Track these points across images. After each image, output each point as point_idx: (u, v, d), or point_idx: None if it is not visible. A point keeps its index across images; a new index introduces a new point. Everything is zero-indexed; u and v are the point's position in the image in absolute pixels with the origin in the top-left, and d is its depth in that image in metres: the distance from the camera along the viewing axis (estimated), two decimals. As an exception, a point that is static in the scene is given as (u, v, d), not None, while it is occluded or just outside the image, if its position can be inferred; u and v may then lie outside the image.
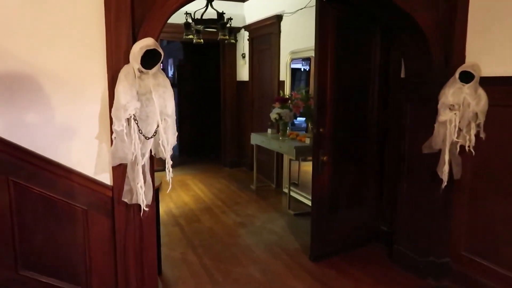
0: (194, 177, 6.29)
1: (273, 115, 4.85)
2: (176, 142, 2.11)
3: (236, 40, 6.77)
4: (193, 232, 4.02)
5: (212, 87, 7.62)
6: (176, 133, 2.10)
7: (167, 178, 2.13)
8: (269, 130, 5.49)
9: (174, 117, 2.06)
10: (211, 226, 4.18)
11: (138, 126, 1.94)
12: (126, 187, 2.05)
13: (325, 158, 3.15)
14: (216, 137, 7.47)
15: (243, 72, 6.79)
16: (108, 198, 2.13)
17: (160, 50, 1.93)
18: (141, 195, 2.02)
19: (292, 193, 4.89)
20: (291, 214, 4.55)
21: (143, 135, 1.97)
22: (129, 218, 2.17)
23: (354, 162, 3.46)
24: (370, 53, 3.41)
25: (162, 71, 2.04)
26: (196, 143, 8.42)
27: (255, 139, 5.48)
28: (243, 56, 6.67)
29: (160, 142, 2.01)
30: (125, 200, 2.06)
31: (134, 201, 2.06)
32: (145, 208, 2.06)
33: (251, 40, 6.38)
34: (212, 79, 7.55)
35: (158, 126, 2.00)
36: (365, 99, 3.45)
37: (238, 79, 6.89)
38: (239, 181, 6.11)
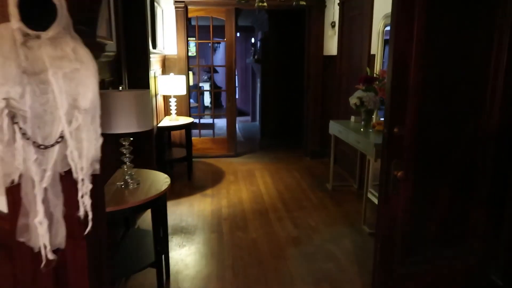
0: (264, 167, 5.48)
1: (353, 100, 3.72)
2: (99, 154, 1.27)
3: (325, 6, 5.63)
4: (232, 244, 3.23)
5: (298, 63, 6.61)
6: (101, 139, 1.26)
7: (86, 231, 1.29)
8: (352, 118, 4.36)
9: (95, 112, 1.23)
10: (257, 238, 3.34)
11: (20, 127, 1.15)
12: (21, 221, 1.30)
13: (400, 173, 2.02)
14: (300, 121, 6.51)
15: (331, 45, 5.65)
16: (4, 233, 1.41)
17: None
18: (42, 236, 1.25)
19: (373, 200, 3.76)
20: (366, 231, 3.45)
21: (37, 142, 1.18)
22: (39, 265, 1.36)
23: (451, 181, 2.23)
24: (493, 16, 2.10)
25: (76, 35, 1.20)
26: (280, 126, 7.57)
27: (334, 127, 4.40)
28: (333, 25, 5.51)
29: (68, 153, 1.20)
30: (22, 239, 1.32)
31: (33, 243, 1.31)
32: (49, 256, 1.28)
33: (341, 4, 5.18)
34: (298, 54, 6.53)
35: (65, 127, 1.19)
36: (478, 89, 2.17)
37: (325, 53, 5.76)
38: (316, 176, 5.11)
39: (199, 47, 6.57)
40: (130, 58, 3.82)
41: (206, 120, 8.76)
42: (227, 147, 6.01)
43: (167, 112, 5.39)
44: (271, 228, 3.54)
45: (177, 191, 4.51)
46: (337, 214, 3.87)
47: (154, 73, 4.53)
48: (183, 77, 4.93)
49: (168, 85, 4.76)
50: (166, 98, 5.28)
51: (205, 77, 12.46)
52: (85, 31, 1.45)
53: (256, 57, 8.15)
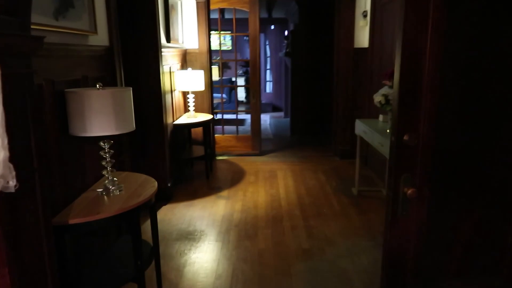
0: (288, 168, 5.15)
1: (377, 97, 3.31)
2: (8, 170, 1.04)
3: (357, -7, 5.18)
4: (235, 256, 2.96)
5: (329, 56, 6.18)
6: (2, 153, 1.02)
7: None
8: (381, 117, 3.93)
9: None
10: (264, 249, 3.05)
11: None
12: None
13: (410, 191, 1.65)
14: (331, 118, 6.10)
15: (362, 37, 5.19)
16: None
17: None
18: None
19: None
20: (389, 246, 3.05)
21: None
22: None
23: (481, 199, 1.82)
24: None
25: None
26: (311, 122, 7.19)
27: (359, 127, 3.99)
28: (364, 15, 5.05)
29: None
30: None
31: None
32: None
33: (373, -9, 4.72)
34: (329, 47, 6.10)
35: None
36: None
37: (355, 45, 5.31)
38: (343, 179, 4.71)
39: (236, 40, 6.29)
40: (133, 53, 3.65)
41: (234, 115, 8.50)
42: (252, 145, 5.75)
43: (187, 109, 5.21)
44: (282, 238, 3.24)
45: (192, 191, 4.31)
46: (359, 224, 3.48)
47: (170, 68, 4.34)
48: (201, 72, 4.71)
49: (185, 80, 4.56)
50: (185, 94, 5.10)
51: (241, 72, 12.26)
52: (9, 21, 1.23)
53: (287, 50, 7.79)
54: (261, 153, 5.75)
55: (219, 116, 6.85)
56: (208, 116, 4.81)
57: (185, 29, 5.22)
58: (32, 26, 1.34)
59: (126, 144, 2.97)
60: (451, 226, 1.86)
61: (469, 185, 1.83)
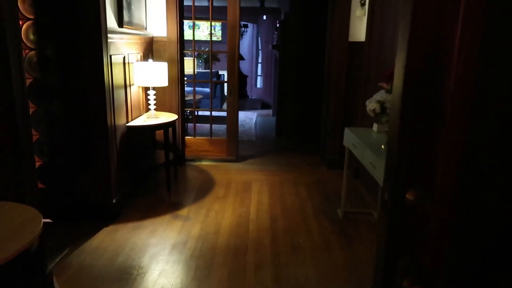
0: (266, 179, 4.43)
1: (371, 105, 2.58)
2: None
3: (354, -22, 4.43)
4: (175, 308, 2.25)
5: (322, 50, 5.43)
6: None
7: None
8: (375, 127, 3.22)
9: None
10: (215, 299, 2.33)
11: None
12: None
13: (412, 290, 0.92)
14: (319, 120, 5.36)
15: (358, 29, 4.45)
16: None
17: None
18: None
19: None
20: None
21: None
22: None
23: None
24: None
25: None
26: (299, 123, 6.45)
27: (348, 138, 3.27)
28: (362, 3, 4.31)
29: None
30: None
31: None
32: None
33: (373, -26, 3.98)
34: (323, 40, 5.34)
35: None
36: None
37: (350, 39, 4.57)
38: (328, 195, 4.00)
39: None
40: (70, 35, 2.93)
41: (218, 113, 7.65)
42: (227, 150, 5.01)
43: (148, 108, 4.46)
44: (241, 281, 2.52)
45: (146, 207, 3.58)
46: (342, 260, 2.77)
47: (124, 58, 3.59)
48: (164, 64, 3.96)
49: (145, 74, 3.81)
50: (147, 90, 4.34)
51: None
52: None
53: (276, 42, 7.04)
54: (237, 159, 5.02)
55: (206, 113, 6.10)
56: (172, 117, 4.06)
57: (151, 14, 4.46)
58: None
59: (28, 157, 2.22)
60: None
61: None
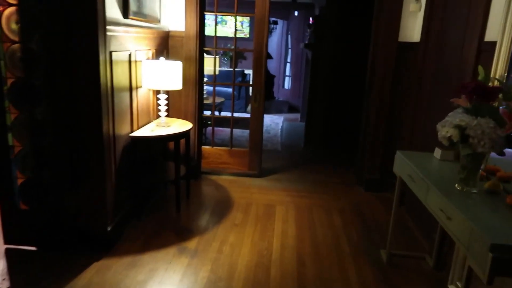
0: (292, 201, 3.77)
1: (445, 130, 1.87)
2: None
3: (408, -34, 3.69)
4: None
5: (362, 51, 4.69)
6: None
7: None
8: (438, 152, 2.49)
9: None
10: None
11: None
12: None
13: None
14: (357, 131, 4.64)
15: (411, 26, 3.72)
16: None
17: None
18: None
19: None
20: None
21: None
22: None
23: None
24: None
25: None
26: (331, 132, 5.75)
27: (402, 165, 2.56)
28: (417, -4, 3.58)
29: None
30: None
31: None
32: None
33: (435, -40, 3.24)
34: (363, 39, 4.61)
35: None
36: None
37: (401, 38, 3.83)
38: (368, 227, 3.30)
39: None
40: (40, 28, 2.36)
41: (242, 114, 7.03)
42: (248, 163, 4.37)
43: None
44: None
45: (148, 235, 2.99)
46: (392, 334, 2.09)
47: (130, 55, 3.00)
48: (178, 64, 3.35)
49: (154, 75, 3.21)
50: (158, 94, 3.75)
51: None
52: None
53: (309, 40, 6.34)
54: (260, 174, 4.38)
55: (228, 114, 5.48)
56: (186, 125, 3.46)
57: (167, 4, 3.86)
58: None
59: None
60: None
61: None
